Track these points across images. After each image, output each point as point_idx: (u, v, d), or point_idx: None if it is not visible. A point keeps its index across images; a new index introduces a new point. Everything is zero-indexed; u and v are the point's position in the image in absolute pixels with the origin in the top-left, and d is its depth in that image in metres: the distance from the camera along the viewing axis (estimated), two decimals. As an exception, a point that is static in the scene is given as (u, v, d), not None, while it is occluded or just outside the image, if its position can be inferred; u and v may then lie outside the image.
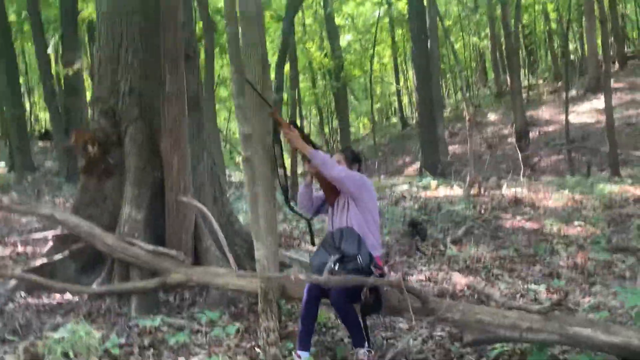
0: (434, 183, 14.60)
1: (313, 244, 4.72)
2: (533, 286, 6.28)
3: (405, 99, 38.93)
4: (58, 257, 5.74)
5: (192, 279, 5.22)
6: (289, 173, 7.68)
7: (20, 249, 6.76)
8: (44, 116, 30.95)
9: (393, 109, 42.61)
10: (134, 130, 5.91)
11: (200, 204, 5.55)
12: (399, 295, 4.27)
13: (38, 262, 5.82)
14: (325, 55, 29.29)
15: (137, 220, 5.73)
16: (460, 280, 6.52)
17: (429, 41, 20.22)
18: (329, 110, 36.80)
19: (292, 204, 5.14)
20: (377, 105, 41.87)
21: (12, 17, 19.61)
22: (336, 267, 4.16)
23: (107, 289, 5.43)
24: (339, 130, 30.50)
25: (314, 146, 4.52)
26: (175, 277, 5.27)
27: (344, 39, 31.48)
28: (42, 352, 4.27)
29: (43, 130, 25.98)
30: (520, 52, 29.70)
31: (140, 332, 4.81)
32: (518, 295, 6.03)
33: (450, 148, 23.18)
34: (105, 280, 5.62)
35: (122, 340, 4.64)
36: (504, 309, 4.37)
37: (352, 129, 41.64)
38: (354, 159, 4.72)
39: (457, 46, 34.75)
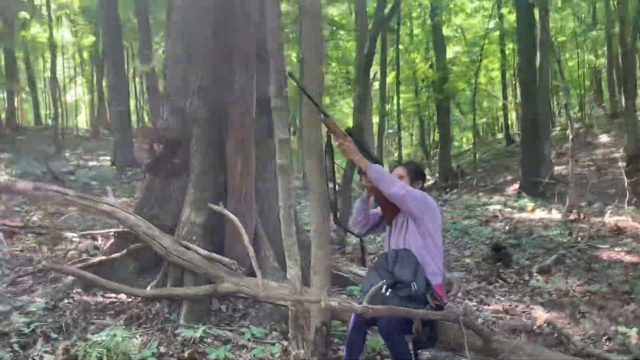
0: (530, 205, 13.80)
1: (364, 264, 4.33)
2: (623, 328, 5.58)
3: (512, 115, 37.54)
4: (116, 255, 5.64)
5: (243, 290, 4.95)
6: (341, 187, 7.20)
7: (81, 244, 6.76)
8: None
9: (499, 124, 41.23)
10: (200, 130, 5.73)
11: (231, 215, 5.26)
12: (458, 330, 3.83)
13: (97, 259, 5.75)
14: (430, 66, 28.69)
15: (196, 224, 5.55)
16: (540, 315, 5.91)
17: (538, 55, 19.28)
18: (431, 123, 36.08)
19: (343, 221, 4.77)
20: (482, 120, 40.71)
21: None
22: (387, 293, 3.76)
23: (159, 292, 5.25)
24: (439, 143, 29.73)
25: (372, 158, 4.15)
26: (225, 286, 5.03)
27: (452, 51, 30.81)
28: (79, 354, 4.13)
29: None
30: (638, 72, 27.91)
31: (183, 342, 4.59)
32: (604, 339, 5.37)
33: (556, 169, 21.95)
34: (160, 283, 5.46)
35: (162, 349, 4.44)
36: (580, 357, 3.83)
37: (456, 143, 40.71)
38: (417, 175, 4.29)
39: (571, 63, 33.21)
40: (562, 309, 6.26)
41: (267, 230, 6.00)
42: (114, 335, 4.24)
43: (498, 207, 13.65)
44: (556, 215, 12.46)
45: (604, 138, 26.28)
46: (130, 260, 5.74)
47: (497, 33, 30.17)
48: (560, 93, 34.54)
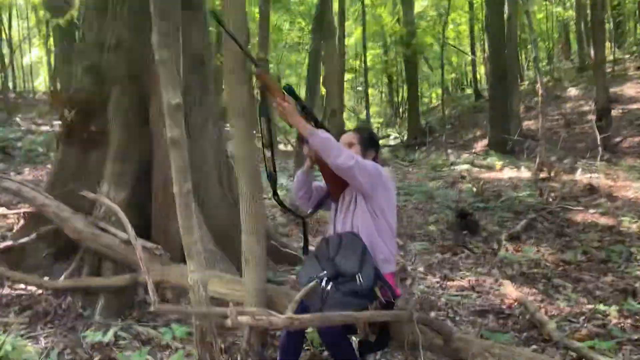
0: (499, 163, 13.26)
1: (305, 252, 3.63)
2: (601, 306, 5.00)
3: (481, 70, 36.93)
4: (24, 240, 4.87)
5: (168, 280, 4.25)
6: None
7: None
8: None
9: (468, 80, 40.67)
10: (118, 92, 4.94)
11: (113, 204, 4.49)
12: (413, 328, 3.18)
13: (4, 244, 4.97)
14: (398, 21, 27.85)
15: (117, 201, 4.77)
16: (511, 291, 5.29)
17: (506, 8, 18.59)
18: (400, 80, 35.38)
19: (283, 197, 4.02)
20: (451, 76, 40.10)
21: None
22: (328, 287, 3.08)
23: (71, 283, 4.52)
24: (408, 100, 29.05)
25: (316, 123, 3.43)
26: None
27: (419, 5, 29.97)
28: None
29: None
30: (607, 24, 27.34)
31: (93, 345, 3.88)
32: (582, 319, 4.79)
33: (525, 124, 21.41)
34: (75, 273, 4.72)
35: (67, 356, 3.73)
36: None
37: (425, 100, 40.10)
38: (370, 143, 3.57)
39: (540, 16, 32.57)
40: (534, 283, 5.69)
41: (205, 205, 5.30)
42: (3, 342, 3.52)
43: (465, 166, 13.08)
44: (526, 173, 11.94)
45: (572, 91, 25.83)
46: (43, 245, 4.98)
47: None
48: (529, 46, 34.04)
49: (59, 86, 18.87)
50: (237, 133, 3.48)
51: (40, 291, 4.60)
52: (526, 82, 29.68)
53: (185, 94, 4.84)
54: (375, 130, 32.84)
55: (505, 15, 18.58)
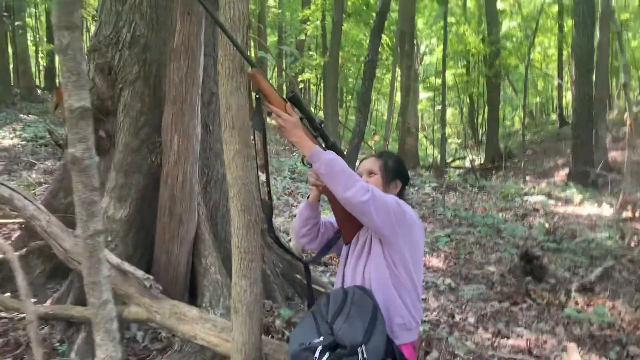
0: (578, 197, 12.11)
1: (310, 305, 2.89)
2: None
3: (567, 96, 35.20)
4: (13, 255, 4.31)
5: (154, 319, 3.58)
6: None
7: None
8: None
9: (554, 105, 38.93)
10: (130, 93, 4.32)
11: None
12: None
13: (-6, 257, 4.45)
14: (482, 40, 26.83)
15: (116, 219, 4.17)
16: (576, 359, 4.38)
17: (597, 32, 17.37)
18: (481, 101, 34.18)
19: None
20: (536, 100, 38.54)
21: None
22: (323, 360, 2.34)
23: (50, 311, 3.91)
24: (487, 122, 27.84)
25: (325, 141, 2.70)
26: (134, 311, 3.66)
27: (506, 25, 28.88)
28: None
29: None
30: None
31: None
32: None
33: (611, 155, 19.95)
34: (64, 297, 4.14)
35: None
36: None
37: (507, 122, 38.61)
38: (395, 172, 2.81)
39: (634, 44, 30.74)
40: (605, 350, 4.73)
41: (218, 228, 4.65)
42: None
43: (540, 198, 11.97)
44: (607, 211, 10.78)
45: (666, 124, 24.02)
46: (36, 262, 4.44)
47: (556, 8, 28.18)
48: (620, 73, 32.21)
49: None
50: (230, 150, 2.79)
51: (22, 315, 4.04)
52: (615, 111, 28.00)
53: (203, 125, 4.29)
54: (452, 151, 31.77)
55: (596, 40, 17.38)
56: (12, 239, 4.73)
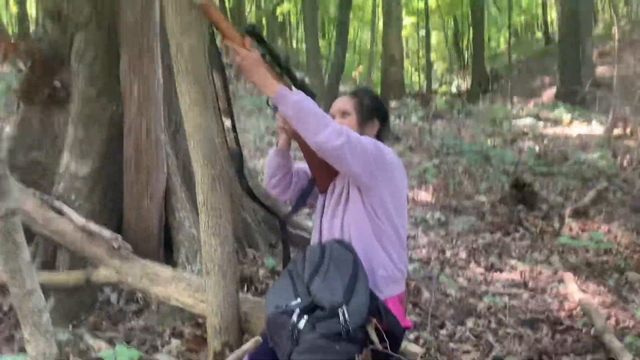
0: (567, 116, 11.87)
1: (285, 263, 2.65)
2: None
3: (553, 12, 34.49)
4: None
5: (125, 280, 3.36)
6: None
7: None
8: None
9: (539, 23, 38.20)
10: (82, 40, 3.97)
11: None
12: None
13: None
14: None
15: (79, 176, 3.88)
16: (572, 290, 4.21)
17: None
18: (466, 23, 33.48)
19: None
20: (520, 18, 37.77)
21: None
22: (301, 324, 2.11)
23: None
24: (473, 44, 27.30)
25: (293, 80, 2.41)
26: (103, 274, 3.42)
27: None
28: None
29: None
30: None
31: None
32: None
33: (598, 71, 19.60)
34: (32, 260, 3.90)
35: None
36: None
37: (493, 44, 37.94)
38: (372, 111, 2.52)
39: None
40: (604, 277, 4.58)
41: (192, 178, 4.38)
42: None
43: (529, 120, 11.72)
44: (598, 129, 10.58)
45: (654, 35, 23.65)
46: (0, 224, 4.17)
47: None
48: (606, -15, 31.59)
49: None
50: (185, 97, 2.50)
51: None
52: (601, 26, 27.45)
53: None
54: (439, 77, 31.28)
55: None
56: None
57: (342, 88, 13.35)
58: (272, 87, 2.20)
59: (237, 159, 2.56)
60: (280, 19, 27.45)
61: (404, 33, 30.40)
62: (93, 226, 3.51)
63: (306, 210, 5.74)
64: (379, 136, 2.51)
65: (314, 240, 2.53)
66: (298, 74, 2.45)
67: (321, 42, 24.14)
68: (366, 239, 2.34)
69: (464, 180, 7.30)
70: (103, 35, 3.97)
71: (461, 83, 26.44)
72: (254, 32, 2.27)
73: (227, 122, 2.55)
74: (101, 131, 3.95)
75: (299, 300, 2.13)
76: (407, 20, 34.82)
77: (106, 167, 3.96)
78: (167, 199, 4.01)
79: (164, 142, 3.98)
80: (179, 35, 2.43)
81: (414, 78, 33.14)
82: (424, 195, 6.77)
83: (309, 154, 2.39)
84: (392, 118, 11.97)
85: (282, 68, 2.37)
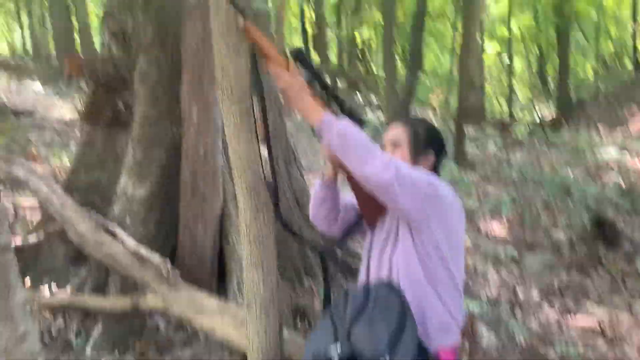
0: (658, 150, 11.16)
1: (326, 301, 2.46)
2: None
3: (643, 41, 33.16)
4: (33, 239, 4.07)
5: (171, 309, 3.24)
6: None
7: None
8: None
9: (628, 53, 36.83)
10: (145, 61, 3.95)
11: None
12: None
13: (19, 242, 4.19)
14: (550, -15, 25.53)
15: (135, 198, 3.84)
16: (656, 340, 3.84)
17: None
18: (551, 50, 32.65)
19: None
20: (609, 48, 36.53)
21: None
22: (339, 374, 1.92)
23: (65, 300, 3.64)
24: (558, 73, 26.54)
25: (341, 106, 2.24)
26: (150, 301, 3.33)
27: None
28: None
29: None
30: None
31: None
32: None
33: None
34: (82, 285, 3.86)
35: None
36: None
37: (579, 72, 36.76)
38: (427, 142, 2.31)
39: None
40: (693, 328, 4.16)
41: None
42: None
43: (615, 152, 11.10)
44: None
45: None
46: (60, 246, 4.16)
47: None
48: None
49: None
50: (230, 123, 2.37)
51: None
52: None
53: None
54: (521, 104, 30.49)
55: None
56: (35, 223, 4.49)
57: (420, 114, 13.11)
58: (316, 115, 2.04)
59: (271, 189, 2.39)
60: (360, 45, 27.44)
61: (485, 59, 29.89)
62: (144, 250, 3.43)
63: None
64: (435, 169, 2.30)
65: (361, 279, 2.33)
66: (351, 103, 2.28)
67: (401, 68, 23.96)
68: (416, 283, 2.13)
69: (541, 214, 6.90)
70: (166, 56, 3.94)
71: (544, 111, 25.69)
72: (299, 56, 2.12)
73: (264, 151, 2.37)
74: (160, 154, 3.90)
75: (338, 345, 1.94)
76: (490, 46, 34.28)
77: (164, 191, 3.91)
78: (222, 225, 3.91)
79: (222, 167, 3.88)
80: (224, 56, 2.30)
81: (495, 104, 32.39)
82: (497, 229, 6.44)
83: (357, 187, 2.21)
84: (468, 145, 11.64)
85: (329, 94, 2.21)
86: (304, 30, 24.48)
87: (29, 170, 3.96)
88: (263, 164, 2.32)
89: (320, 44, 24.95)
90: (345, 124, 2.01)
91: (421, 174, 2.08)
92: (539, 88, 34.87)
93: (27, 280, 3.97)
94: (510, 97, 26.41)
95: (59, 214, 3.72)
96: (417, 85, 13.69)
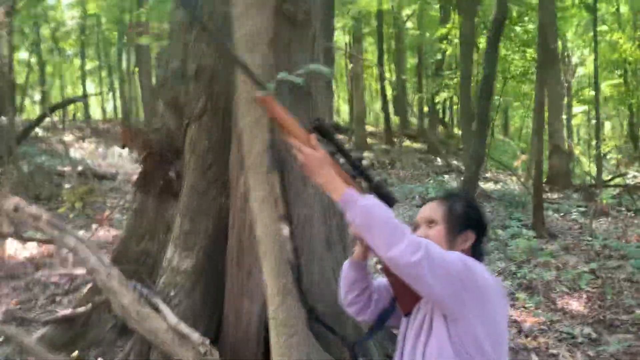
0: None
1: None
2: None
3: None
4: (82, 309, 4.03)
5: (206, 392, 3.09)
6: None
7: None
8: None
9: None
10: (196, 130, 3.92)
11: None
12: None
13: (64, 311, 4.18)
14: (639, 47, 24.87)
15: (181, 270, 3.76)
16: None
17: None
18: (641, 111, 31.49)
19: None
20: None
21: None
22: None
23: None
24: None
25: (368, 181, 2.08)
26: (187, 380, 3.20)
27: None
28: None
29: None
30: None
31: None
32: None
33: None
34: (127, 358, 3.77)
35: None
36: None
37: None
38: (465, 222, 2.10)
39: None
40: None
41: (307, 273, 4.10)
42: None
43: None
44: None
45: None
46: (108, 317, 4.12)
47: None
48: None
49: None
50: (257, 198, 2.26)
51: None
52: None
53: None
54: (612, 168, 29.29)
55: None
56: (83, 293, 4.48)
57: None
58: (339, 191, 1.89)
59: (294, 271, 2.23)
60: (438, 106, 27.29)
61: (574, 122, 29.08)
62: (184, 327, 3.32)
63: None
64: (474, 251, 2.08)
65: (395, 369, 2.12)
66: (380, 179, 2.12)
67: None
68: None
69: (625, 290, 6.39)
70: (217, 126, 3.90)
71: (637, 176, 24.54)
72: (320, 128, 1.99)
73: (286, 231, 2.21)
74: (208, 224, 3.83)
75: None
76: (579, 109, 33.39)
77: (211, 262, 3.81)
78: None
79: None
80: (250, 130, 2.22)
81: (585, 169, 31.27)
82: (575, 305, 5.99)
83: (389, 269, 2.02)
84: (549, 212, 11.12)
85: (355, 168, 2.05)
86: (384, 93, 24.57)
87: (78, 239, 3.95)
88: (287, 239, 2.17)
89: (400, 107, 24.98)
90: (369, 202, 1.85)
91: (455, 256, 1.88)
92: (629, 151, 33.51)
93: (75, 353, 3.92)
94: (599, 161, 25.45)
95: (104, 285, 3.67)
96: (487, 150, 13.29)
